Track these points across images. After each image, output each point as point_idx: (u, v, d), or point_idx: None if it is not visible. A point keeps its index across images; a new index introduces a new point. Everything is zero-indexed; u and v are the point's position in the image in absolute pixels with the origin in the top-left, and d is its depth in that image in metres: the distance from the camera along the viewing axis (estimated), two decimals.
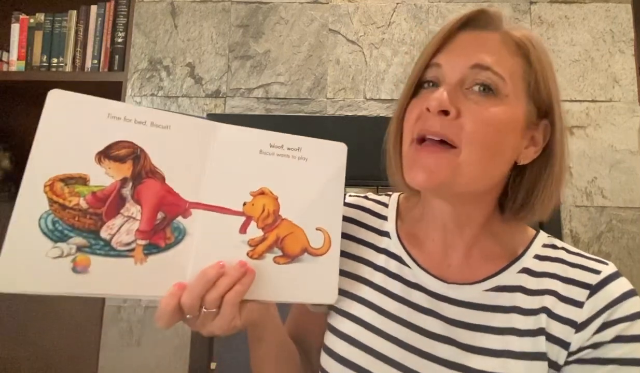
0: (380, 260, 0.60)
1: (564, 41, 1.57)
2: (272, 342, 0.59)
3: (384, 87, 1.60)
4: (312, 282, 0.53)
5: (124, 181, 0.47)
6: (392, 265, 0.59)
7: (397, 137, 0.58)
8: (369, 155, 1.49)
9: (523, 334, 0.52)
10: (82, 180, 0.46)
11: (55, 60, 1.71)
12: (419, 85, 0.56)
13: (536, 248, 0.57)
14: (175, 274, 0.48)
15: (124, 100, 1.64)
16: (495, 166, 0.52)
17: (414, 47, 1.60)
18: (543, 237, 0.59)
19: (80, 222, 0.45)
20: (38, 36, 1.72)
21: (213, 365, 1.49)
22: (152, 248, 0.47)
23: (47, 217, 0.44)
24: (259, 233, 0.51)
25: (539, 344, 0.51)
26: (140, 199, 0.48)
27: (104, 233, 0.46)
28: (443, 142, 0.51)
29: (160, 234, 0.48)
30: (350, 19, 1.63)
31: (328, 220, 0.54)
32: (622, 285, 0.52)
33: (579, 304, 0.51)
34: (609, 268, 0.53)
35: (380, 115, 1.58)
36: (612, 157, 1.49)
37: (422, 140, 0.52)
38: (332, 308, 0.61)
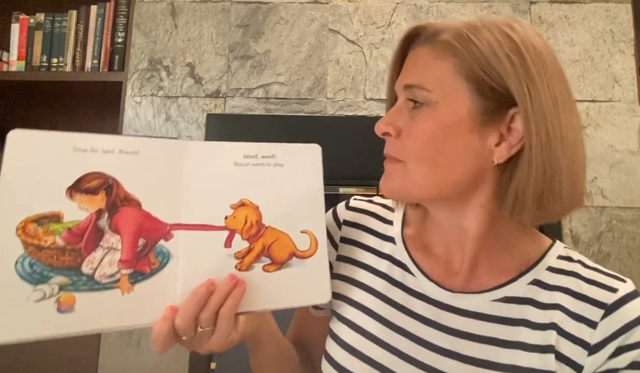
0: (382, 266, 0.59)
1: (564, 41, 1.57)
2: (270, 346, 0.59)
3: (384, 87, 1.59)
4: (304, 285, 0.52)
5: (99, 213, 0.46)
6: (396, 273, 0.58)
7: None
8: (369, 155, 1.50)
9: (531, 349, 0.50)
10: (56, 217, 0.45)
11: (55, 60, 1.71)
12: None
13: (550, 259, 0.54)
14: (164, 298, 0.47)
15: (123, 101, 1.64)
16: (442, 172, 0.51)
17: None
18: (559, 248, 0.56)
19: (59, 260, 0.44)
20: (38, 36, 1.72)
21: (213, 365, 1.49)
22: (137, 276, 0.47)
23: (24, 260, 0.43)
24: (245, 244, 0.51)
25: (548, 362, 0.49)
26: (118, 228, 0.47)
27: (86, 268, 0.45)
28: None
29: (144, 261, 0.47)
30: (350, 19, 1.63)
31: (312, 222, 0.54)
32: (639, 306, 0.49)
33: (592, 324, 0.48)
34: (626, 287, 0.50)
35: (380, 115, 1.58)
36: (612, 157, 1.49)
37: None
38: (333, 313, 0.60)
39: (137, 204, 0.48)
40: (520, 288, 0.53)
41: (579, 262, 0.54)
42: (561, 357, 0.49)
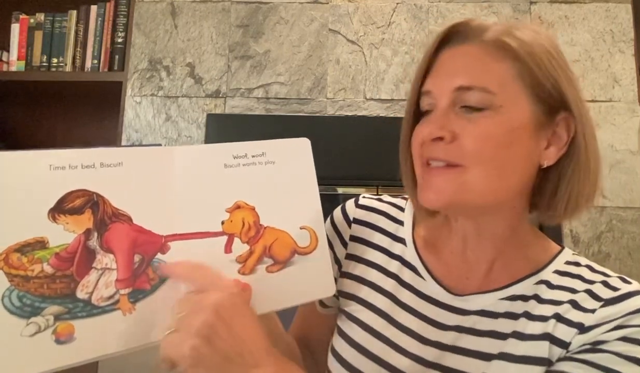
0: (393, 266, 0.59)
1: (564, 41, 1.57)
2: (279, 345, 0.59)
3: (384, 87, 1.60)
4: (308, 281, 0.52)
5: (87, 233, 0.43)
6: (406, 274, 0.58)
7: (407, 162, 0.57)
8: (369, 155, 1.50)
9: (525, 338, 0.50)
10: (40, 244, 0.41)
11: (55, 60, 1.71)
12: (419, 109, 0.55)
13: (558, 264, 0.55)
14: (169, 313, 0.45)
15: (123, 101, 1.64)
16: (505, 178, 0.50)
17: (414, 47, 1.60)
18: (567, 254, 0.56)
19: (50, 289, 0.41)
20: (38, 36, 1.72)
21: None
22: (138, 294, 0.44)
23: (11, 294, 0.40)
24: (245, 248, 0.49)
25: (540, 349, 0.49)
26: (110, 247, 0.44)
27: (81, 294, 0.42)
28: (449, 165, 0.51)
29: (143, 277, 0.45)
30: (350, 19, 1.63)
31: (309, 217, 0.53)
32: None
33: (590, 311, 0.48)
34: (630, 287, 0.50)
35: (380, 115, 1.58)
36: (612, 157, 1.49)
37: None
38: (342, 311, 0.61)
39: (127, 219, 0.45)
40: (527, 287, 0.53)
41: (587, 266, 0.54)
42: (554, 340, 0.49)
